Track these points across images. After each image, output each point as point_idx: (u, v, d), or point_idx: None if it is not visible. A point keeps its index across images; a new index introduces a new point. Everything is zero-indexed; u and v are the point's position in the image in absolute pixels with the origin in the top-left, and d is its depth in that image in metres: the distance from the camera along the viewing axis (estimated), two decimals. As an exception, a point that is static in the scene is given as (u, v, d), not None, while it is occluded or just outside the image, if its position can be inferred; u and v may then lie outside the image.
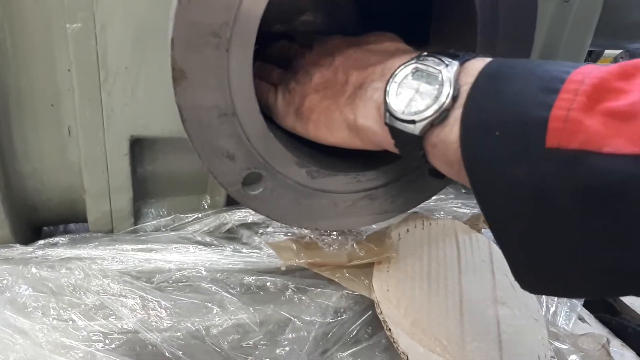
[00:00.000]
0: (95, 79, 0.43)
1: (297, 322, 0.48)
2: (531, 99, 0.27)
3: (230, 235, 0.54)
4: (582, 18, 0.58)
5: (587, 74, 0.26)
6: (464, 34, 0.45)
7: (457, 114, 0.31)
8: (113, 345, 0.43)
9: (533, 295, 0.55)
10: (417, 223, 0.60)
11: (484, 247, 0.60)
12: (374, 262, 0.52)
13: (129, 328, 0.43)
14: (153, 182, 0.53)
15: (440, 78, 0.32)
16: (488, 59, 0.32)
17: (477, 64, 0.32)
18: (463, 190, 0.68)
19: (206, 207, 0.56)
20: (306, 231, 0.52)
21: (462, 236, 0.60)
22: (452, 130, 0.31)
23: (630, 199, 0.23)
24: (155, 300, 0.45)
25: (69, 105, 0.45)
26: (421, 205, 0.53)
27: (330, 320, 0.49)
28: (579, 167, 0.25)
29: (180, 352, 0.44)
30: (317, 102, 0.42)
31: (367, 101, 0.38)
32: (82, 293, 0.44)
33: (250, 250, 0.50)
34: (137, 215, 0.53)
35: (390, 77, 0.35)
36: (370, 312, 0.50)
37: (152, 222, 0.53)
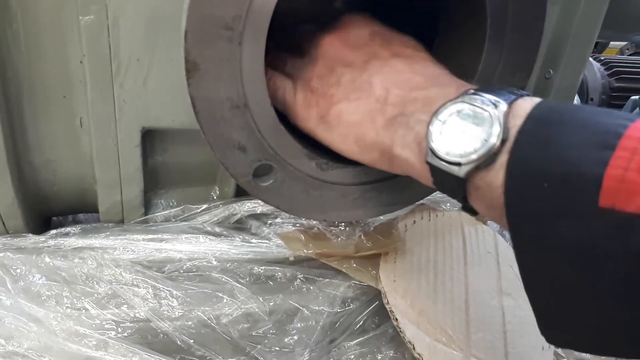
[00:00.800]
0: (107, 70, 0.43)
1: (306, 311, 0.48)
2: (584, 152, 0.26)
3: (240, 226, 0.54)
4: (590, 10, 0.58)
5: None
6: (473, 27, 0.45)
7: (504, 158, 0.29)
8: (125, 334, 0.44)
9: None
10: (424, 215, 0.60)
11: (490, 239, 0.61)
12: (381, 253, 0.53)
13: (141, 317, 0.44)
14: (163, 173, 0.53)
15: (488, 120, 0.30)
16: (536, 100, 0.31)
17: (525, 105, 0.30)
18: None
19: (215, 198, 0.56)
20: (314, 222, 0.53)
21: (468, 228, 0.61)
22: (497, 174, 0.29)
23: None
24: (167, 290, 0.45)
25: (81, 97, 0.45)
26: (428, 197, 0.54)
27: (338, 310, 0.49)
28: (634, 231, 0.23)
29: (192, 341, 0.44)
30: (349, 113, 0.39)
31: (408, 131, 0.35)
32: (94, 282, 0.45)
33: (259, 241, 0.51)
34: (148, 206, 0.53)
35: (435, 113, 0.33)
36: (377, 302, 0.51)
37: (163, 213, 0.53)
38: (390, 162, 0.38)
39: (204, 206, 0.54)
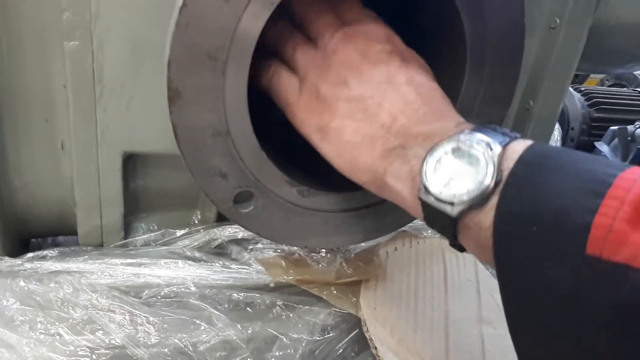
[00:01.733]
0: (90, 95, 0.43)
1: (285, 339, 0.48)
2: (573, 199, 0.26)
3: (220, 251, 0.54)
4: (568, 44, 0.60)
5: (635, 180, 0.25)
6: (453, 57, 0.46)
7: (495, 200, 0.29)
8: (100, 361, 0.43)
9: (518, 316, 0.56)
10: (405, 241, 0.60)
11: (470, 267, 0.61)
12: (362, 280, 0.53)
13: (117, 343, 0.43)
14: (144, 197, 0.53)
15: (482, 161, 0.30)
16: (529, 142, 0.31)
17: (518, 147, 0.30)
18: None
19: (196, 222, 0.56)
20: (296, 248, 0.53)
21: (449, 255, 0.61)
22: (488, 215, 0.29)
23: None
24: (144, 316, 0.45)
25: (63, 121, 0.45)
26: (409, 224, 0.54)
27: (318, 338, 0.49)
28: (621, 282, 0.23)
29: (168, 368, 0.44)
30: (350, 132, 0.38)
31: (404, 164, 0.35)
32: (70, 307, 0.44)
33: (240, 266, 0.50)
34: (128, 230, 0.53)
35: (430, 150, 0.33)
36: (357, 330, 0.51)
37: (143, 237, 0.53)
38: (380, 189, 0.38)
39: (185, 231, 0.54)
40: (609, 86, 1.49)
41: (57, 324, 0.43)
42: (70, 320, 0.44)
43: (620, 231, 0.24)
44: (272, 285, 0.50)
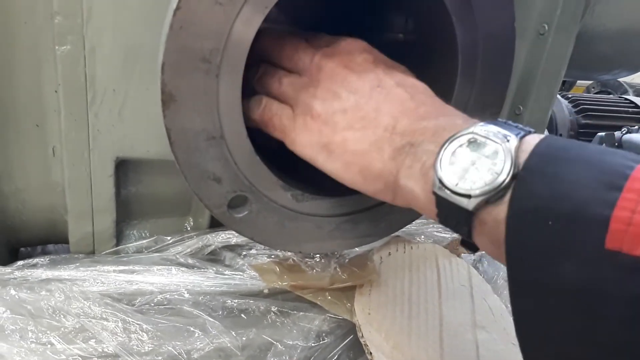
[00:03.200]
0: (82, 100, 0.43)
1: (280, 346, 0.48)
2: (590, 192, 0.25)
3: (213, 257, 0.53)
4: (556, 51, 0.61)
5: None
6: (446, 62, 0.47)
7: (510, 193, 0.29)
8: (92, 370, 0.42)
9: (511, 320, 0.56)
10: (399, 246, 0.60)
11: (464, 272, 0.61)
12: (356, 285, 0.53)
13: (110, 352, 0.43)
14: (137, 204, 0.53)
15: (500, 153, 0.29)
16: (542, 135, 0.30)
17: (533, 140, 0.30)
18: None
19: (189, 229, 0.56)
20: (289, 253, 0.52)
21: (442, 260, 0.61)
22: (505, 210, 0.29)
23: None
24: (137, 323, 0.44)
25: (54, 126, 0.45)
26: (403, 229, 0.54)
27: (313, 344, 0.49)
28: None
29: (161, 376, 0.43)
30: (355, 142, 0.38)
31: (415, 162, 0.34)
32: (61, 316, 0.44)
33: (233, 273, 0.50)
34: (120, 237, 0.53)
35: (445, 143, 0.32)
36: (352, 335, 0.51)
37: (135, 244, 0.52)
38: (394, 194, 0.37)
39: (177, 237, 0.53)
40: (595, 93, 1.51)
41: (48, 332, 0.43)
42: (62, 328, 0.43)
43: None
44: (266, 291, 0.50)
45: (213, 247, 0.53)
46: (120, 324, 0.44)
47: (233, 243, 0.53)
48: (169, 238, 0.53)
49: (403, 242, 0.61)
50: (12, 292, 0.44)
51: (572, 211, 0.25)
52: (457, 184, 0.30)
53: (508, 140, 0.30)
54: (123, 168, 0.49)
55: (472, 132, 0.31)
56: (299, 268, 0.52)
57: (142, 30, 0.42)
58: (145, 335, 0.44)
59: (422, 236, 0.63)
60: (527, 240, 0.27)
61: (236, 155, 0.40)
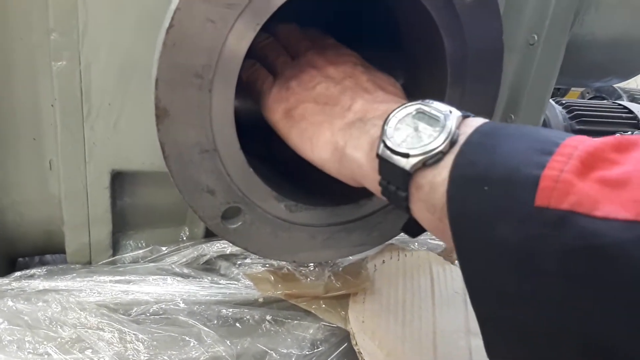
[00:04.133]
0: (78, 114, 0.44)
1: (274, 354, 0.48)
2: (524, 157, 0.27)
3: (209, 267, 0.54)
4: (546, 60, 0.61)
5: (582, 141, 0.26)
6: (435, 74, 0.48)
7: (450, 160, 0.30)
8: (89, 379, 0.43)
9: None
10: (393, 254, 0.61)
11: (458, 279, 0.62)
12: (350, 293, 0.53)
13: (106, 362, 0.43)
14: (132, 215, 0.53)
15: (442, 122, 0.32)
16: (486, 120, 0.32)
17: (475, 121, 0.32)
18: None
19: (185, 239, 0.56)
20: (284, 262, 0.53)
21: (436, 268, 0.62)
22: (441, 174, 0.30)
23: (618, 265, 0.22)
24: (133, 333, 0.45)
25: (51, 139, 0.46)
26: (396, 237, 0.55)
27: (307, 353, 0.49)
28: (567, 228, 0.24)
29: (157, 386, 0.44)
30: (312, 113, 0.41)
31: (363, 134, 0.37)
32: (58, 326, 0.44)
33: (228, 282, 0.50)
34: (116, 247, 0.53)
35: (392, 112, 0.35)
36: (346, 343, 0.51)
37: (131, 254, 0.53)
38: (340, 162, 0.39)
39: (173, 247, 0.54)
40: (589, 99, 1.52)
41: (45, 343, 0.43)
42: (59, 339, 0.44)
43: (567, 181, 0.25)
44: (261, 300, 0.50)
45: (208, 256, 0.54)
46: (116, 334, 0.44)
47: (228, 252, 0.54)
48: (164, 248, 0.54)
49: (397, 250, 0.62)
50: (10, 303, 0.45)
51: (506, 175, 0.27)
52: (398, 145, 0.33)
53: (451, 112, 0.32)
54: (119, 180, 0.50)
55: (419, 104, 0.34)
56: (294, 277, 0.52)
57: (136, 46, 0.43)
58: (141, 345, 0.44)
59: (416, 244, 0.64)
60: (466, 206, 0.28)
61: (229, 168, 0.41)
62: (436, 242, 0.65)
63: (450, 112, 0.33)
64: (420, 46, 0.49)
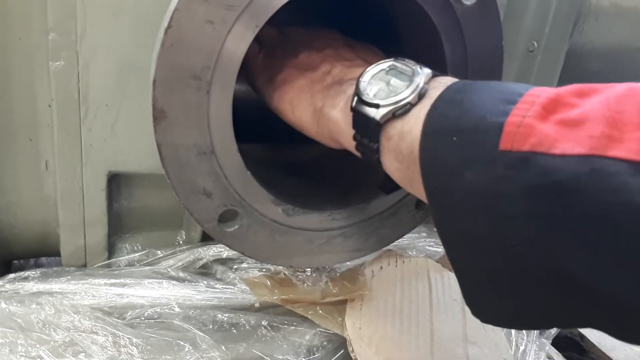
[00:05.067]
0: (75, 114, 0.44)
1: (270, 360, 0.48)
2: (490, 107, 0.28)
3: (205, 271, 0.54)
4: (546, 68, 0.61)
5: (545, 90, 0.28)
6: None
7: (418, 111, 0.32)
8: (81, 384, 0.42)
9: (503, 335, 0.56)
10: (391, 261, 0.61)
11: (456, 286, 0.61)
12: (348, 299, 0.53)
13: (99, 366, 0.43)
14: (129, 217, 0.53)
15: (411, 76, 0.34)
16: (456, 79, 0.35)
17: (446, 80, 0.34)
18: (435, 229, 0.70)
19: (181, 242, 0.56)
20: (281, 267, 0.53)
21: (434, 274, 0.61)
22: (409, 123, 0.32)
23: (575, 197, 0.24)
24: (127, 337, 0.44)
25: (47, 140, 0.46)
26: (394, 243, 0.54)
27: (303, 359, 0.49)
28: (528, 167, 0.25)
29: (150, 391, 0.43)
30: (294, 78, 0.44)
31: (339, 94, 0.39)
32: (51, 329, 0.44)
33: (224, 286, 0.50)
34: (112, 250, 0.53)
35: (365, 70, 0.37)
36: (343, 350, 0.51)
37: (127, 257, 0.53)
38: (318, 123, 0.41)
39: (169, 251, 0.53)
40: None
41: (38, 346, 0.43)
42: (52, 342, 0.43)
43: (529, 125, 0.26)
44: (257, 305, 0.50)
45: (204, 260, 0.53)
46: (110, 338, 0.44)
47: (224, 257, 0.54)
48: (160, 251, 0.54)
49: (395, 256, 0.61)
50: (3, 305, 0.44)
51: (473, 125, 0.28)
52: (370, 98, 0.35)
53: (421, 69, 0.34)
54: (115, 182, 0.50)
55: (392, 61, 0.37)
56: (290, 282, 0.52)
57: (135, 47, 0.43)
58: (135, 349, 0.44)
59: (414, 250, 0.64)
60: (437, 155, 0.30)
61: (227, 170, 0.41)
62: (434, 248, 0.65)
63: (421, 68, 0.35)
64: (421, 51, 0.48)
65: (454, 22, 0.44)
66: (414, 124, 0.32)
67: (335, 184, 0.53)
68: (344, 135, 0.38)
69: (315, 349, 0.50)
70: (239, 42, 0.37)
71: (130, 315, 0.46)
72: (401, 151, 0.33)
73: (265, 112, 0.47)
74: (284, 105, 0.44)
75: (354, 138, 0.37)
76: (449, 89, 0.32)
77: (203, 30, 0.35)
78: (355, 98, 0.36)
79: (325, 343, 0.51)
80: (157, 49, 0.35)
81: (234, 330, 0.48)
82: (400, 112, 0.33)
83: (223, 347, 0.46)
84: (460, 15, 0.43)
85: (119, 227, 0.53)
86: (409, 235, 0.58)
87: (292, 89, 0.43)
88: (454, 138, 0.29)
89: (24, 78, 0.43)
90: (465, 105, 0.30)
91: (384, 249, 0.55)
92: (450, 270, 0.63)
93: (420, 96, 0.33)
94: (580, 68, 0.68)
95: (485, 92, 0.30)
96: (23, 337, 0.43)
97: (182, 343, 0.45)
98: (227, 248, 0.53)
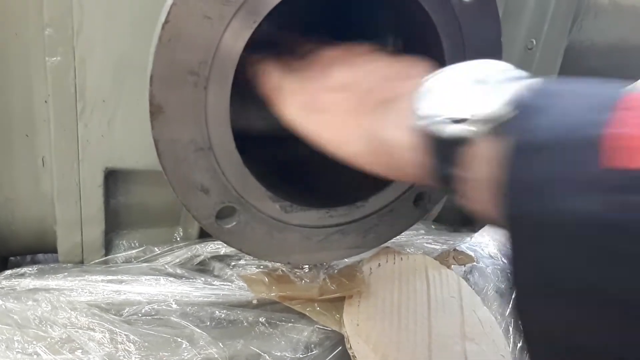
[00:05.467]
0: (72, 110, 0.43)
1: (268, 357, 0.47)
2: (581, 117, 0.23)
3: (202, 268, 0.53)
4: (545, 65, 0.61)
5: None
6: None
7: (503, 126, 0.26)
8: (78, 380, 0.42)
9: (501, 332, 0.56)
10: (389, 258, 0.61)
11: (454, 283, 0.61)
12: (345, 296, 0.53)
13: (96, 362, 0.43)
14: (126, 214, 0.53)
15: (497, 82, 0.28)
16: (536, 78, 0.29)
17: (532, 81, 0.28)
18: (433, 227, 0.70)
19: (179, 239, 0.56)
20: (278, 264, 0.52)
21: (432, 272, 0.61)
22: (501, 144, 0.26)
23: None
24: (124, 334, 0.44)
25: (44, 136, 0.45)
26: (392, 240, 0.54)
27: (301, 356, 0.49)
28: None
29: (148, 388, 0.43)
30: (335, 103, 0.37)
31: (398, 110, 0.33)
32: (48, 326, 0.44)
33: (222, 283, 0.50)
34: (109, 247, 0.53)
35: (424, 81, 0.31)
36: (340, 347, 0.51)
37: (124, 254, 0.52)
38: (376, 153, 0.34)
39: (167, 247, 0.53)
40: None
41: (34, 343, 0.42)
42: (49, 339, 0.43)
43: (635, 137, 0.21)
44: (254, 302, 0.50)
45: (202, 257, 0.53)
46: (107, 335, 0.44)
47: (222, 253, 0.53)
48: (158, 248, 0.53)
49: (393, 253, 0.61)
50: (-1, 302, 0.44)
51: (563, 137, 0.23)
52: (440, 113, 0.28)
53: (510, 77, 0.28)
54: (112, 178, 0.50)
55: (466, 64, 0.31)
56: (288, 279, 0.52)
57: (132, 43, 0.43)
58: (132, 346, 0.44)
59: (412, 247, 0.63)
60: (521, 173, 0.25)
61: (224, 167, 0.40)
62: (432, 245, 0.65)
63: (508, 74, 0.28)
64: (419, 46, 0.48)
65: (453, 19, 0.43)
66: (500, 144, 0.26)
67: (333, 180, 0.52)
68: (412, 164, 0.32)
69: (312, 345, 0.50)
70: (236, 38, 0.37)
71: (127, 311, 0.46)
72: (483, 177, 0.27)
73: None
74: (330, 137, 0.37)
75: (424, 162, 0.30)
76: (531, 92, 0.26)
77: (200, 26, 0.35)
78: (417, 114, 0.30)
79: (323, 340, 0.51)
80: (155, 44, 0.34)
81: (232, 327, 0.48)
82: (492, 130, 0.26)
83: (220, 344, 0.46)
84: (459, 12, 0.43)
85: (116, 223, 0.53)
86: (407, 232, 0.58)
87: (335, 116, 0.37)
88: (542, 152, 0.24)
89: (20, 74, 0.43)
90: (550, 115, 0.24)
91: (382, 246, 0.55)
92: (447, 268, 0.63)
93: (509, 107, 0.26)
94: (579, 65, 0.68)
95: (572, 98, 0.25)
96: (20, 333, 0.43)
97: (179, 340, 0.45)
98: (225, 245, 0.53)
